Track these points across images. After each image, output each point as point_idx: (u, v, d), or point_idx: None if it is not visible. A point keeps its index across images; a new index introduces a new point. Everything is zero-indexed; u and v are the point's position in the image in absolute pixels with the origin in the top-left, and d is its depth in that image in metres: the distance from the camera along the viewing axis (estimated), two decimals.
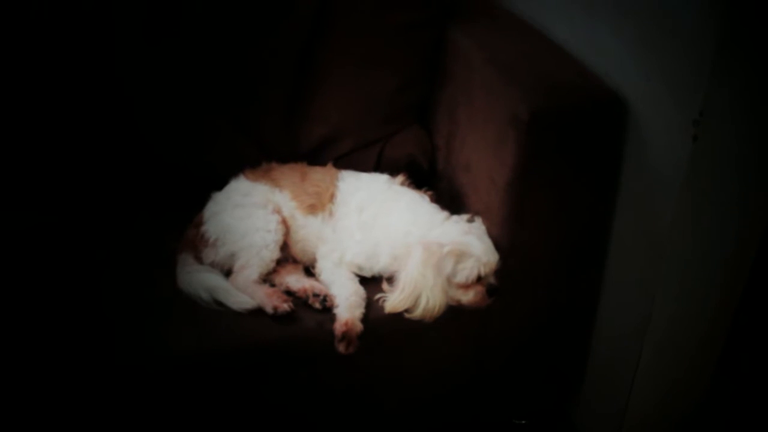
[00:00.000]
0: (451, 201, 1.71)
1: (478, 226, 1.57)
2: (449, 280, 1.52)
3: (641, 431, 1.77)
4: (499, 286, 1.54)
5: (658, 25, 1.39)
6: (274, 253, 1.59)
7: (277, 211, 1.64)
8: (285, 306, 1.50)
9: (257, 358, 1.50)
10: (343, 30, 1.76)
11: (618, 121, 1.50)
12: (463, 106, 1.69)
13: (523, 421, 1.98)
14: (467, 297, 1.53)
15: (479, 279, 1.52)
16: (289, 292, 1.56)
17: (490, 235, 1.56)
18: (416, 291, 1.50)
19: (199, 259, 1.63)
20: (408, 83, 1.81)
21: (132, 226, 1.73)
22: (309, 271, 1.65)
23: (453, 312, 1.53)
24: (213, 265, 1.61)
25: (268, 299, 1.51)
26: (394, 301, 1.52)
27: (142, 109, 1.75)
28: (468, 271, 1.51)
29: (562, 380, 1.88)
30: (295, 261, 1.66)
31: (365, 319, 1.51)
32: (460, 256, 1.51)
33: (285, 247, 1.64)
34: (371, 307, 1.54)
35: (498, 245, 1.55)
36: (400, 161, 1.81)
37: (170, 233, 1.67)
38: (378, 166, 1.82)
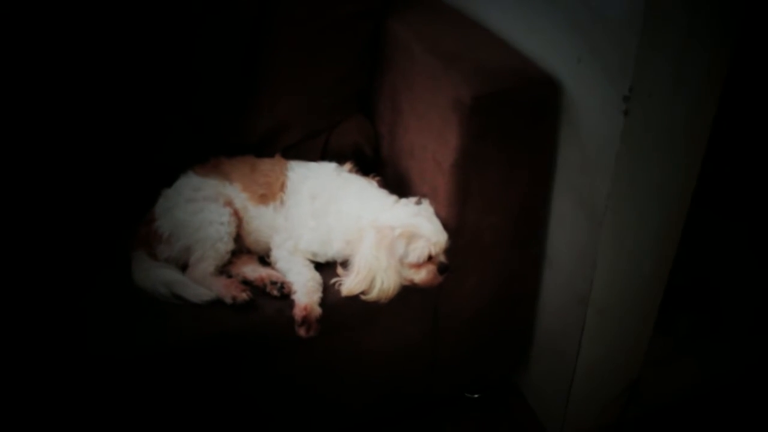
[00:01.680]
0: (397, 186, 1.77)
1: (426, 207, 1.63)
2: (402, 261, 1.58)
3: (588, 397, 1.87)
4: (449, 264, 1.61)
5: (586, 8, 1.47)
6: (229, 245, 1.62)
7: (229, 203, 1.66)
8: (244, 295, 1.53)
9: (219, 347, 1.53)
10: (285, 23, 1.79)
11: (553, 101, 1.58)
12: (405, 94, 1.74)
13: (476, 395, 2.06)
14: (420, 276, 1.59)
15: (430, 258, 1.58)
16: (246, 282, 1.59)
17: (438, 215, 1.62)
18: (371, 273, 1.55)
19: (153, 256, 1.64)
20: (350, 73, 1.86)
21: (89, 224, 1.72)
22: (264, 261, 1.68)
23: (407, 291, 1.59)
24: (168, 260, 1.63)
25: (227, 290, 1.54)
26: (350, 284, 1.56)
27: (90, 107, 1.73)
28: (419, 251, 1.57)
29: (511, 352, 1.97)
30: (249, 252, 1.69)
31: (323, 303, 1.56)
32: (410, 237, 1.57)
33: (238, 238, 1.67)
34: (328, 291, 1.59)
35: (446, 225, 1.61)
36: (346, 149, 1.86)
37: (127, 229, 1.67)
38: (324, 154, 1.86)
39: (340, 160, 1.78)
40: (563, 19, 1.54)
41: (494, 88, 1.52)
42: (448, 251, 1.61)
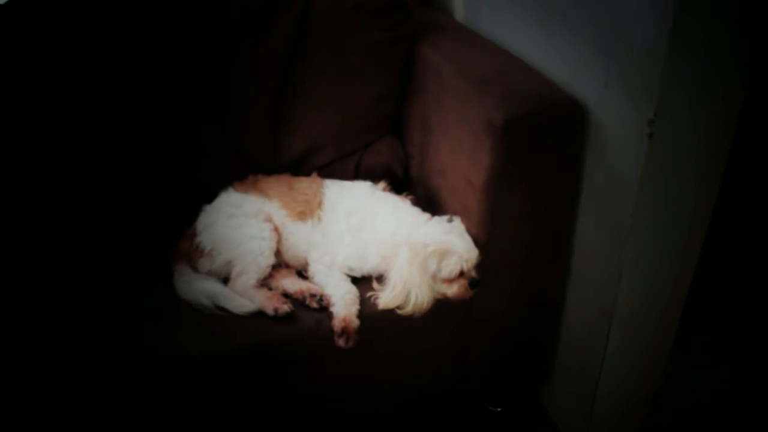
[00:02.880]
0: (427, 204, 1.84)
1: (458, 225, 1.71)
2: (435, 277, 1.65)
3: (610, 411, 1.93)
4: (480, 278, 1.68)
5: (612, 36, 1.55)
6: (270, 259, 1.69)
7: (269, 219, 1.74)
8: (285, 307, 1.60)
9: (261, 357, 1.60)
10: (320, 49, 1.88)
11: (580, 124, 1.66)
12: (436, 116, 1.83)
13: (499, 409, 2.12)
14: (452, 290, 1.66)
15: (462, 273, 1.65)
16: (286, 295, 1.66)
17: (469, 232, 1.69)
18: (406, 288, 1.62)
19: (195, 269, 1.71)
20: (382, 97, 1.94)
21: (129, 238, 1.81)
22: (302, 275, 1.75)
23: (438, 305, 1.66)
24: (209, 273, 1.70)
25: (269, 302, 1.61)
26: (386, 298, 1.63)
27: (133, 127, 1.83)
28: (452, 267, 1.64)
29: (535, 365, 2.03)
30: (287, 266, 1.77)
31: (359, 315, 1.63)
32: (443, 254, 1.64)
33: (277, 253, 1.73)
34: (364, 304, 1.65)
35: (476, 241, 1.68)
36: (377, 170, 1.94)
37: (165, 244, 1.75)
38: (356, 174, 1.95)
39: (372, 179, 1.86)
40: (590, 46, 1.62)
41: (525, 112, 1.60)
42: (479, 266, 1.68)
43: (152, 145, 1.85)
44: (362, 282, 1.72)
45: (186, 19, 1.80)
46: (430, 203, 1.85)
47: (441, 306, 1.66)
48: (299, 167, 1.92)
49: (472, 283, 1.67)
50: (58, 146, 1.80)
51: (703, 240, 1.71)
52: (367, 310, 1.65)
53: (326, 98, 1.91)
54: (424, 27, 1.96)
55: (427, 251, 1.64)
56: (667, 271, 1.72)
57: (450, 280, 1.65)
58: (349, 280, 1.70)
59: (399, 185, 1.94)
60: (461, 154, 1.72)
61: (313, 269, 1.73)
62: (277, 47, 1.86)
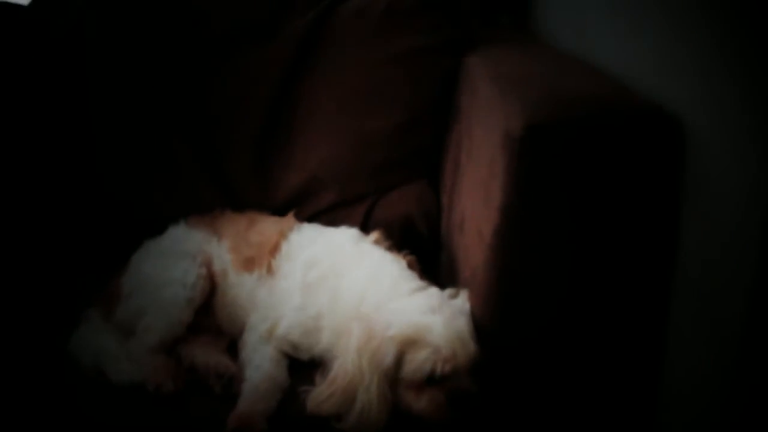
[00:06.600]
0: (448, 273, 1.26)
1: (461, 303, 1.09)
2: (394, 377, 1.04)
3: None
4: (473, 391, 1.02)
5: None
6: (185, 313, 1.21)
7: (207, 263, 1.26)
8: (169, 384, 1.11)
9: None
10: (333, 58, 1.44)
11: (665, 143, 0.99)
12: (465, 144, 1.25)
13: None
14: (419, 404, 1.03)
15: (439, 380, 1.02)
16: (192, 369, 1.15)
17: (475, 313, 1.07)
18: (350, 388, 1.04)
19: (111, 315, 1.27)
20: (410, 124, 1.42)
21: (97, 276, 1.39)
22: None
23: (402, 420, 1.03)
24: (122, 323, 1.25)
25: (155, 373, 1.13)
26: (318, 399, 1.06)
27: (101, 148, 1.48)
28: (417, 363, 1.03)
29: None
30: (221, 332, 1.26)
31: (281, 416, 1.06)
32: (408, 343, 1.04)
33: (211, 313, 1.26)
34: (295, 401, 1.08)
35: (482, 328, 1.05)
36: (394, 223, 1.38)
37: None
38: (365, 226, 1.39)
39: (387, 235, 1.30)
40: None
41: (560, 117, 0.98)
42: (478, 369, 1.03)
43: (123, 173, 1.48)
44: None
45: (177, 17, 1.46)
46: (450, 270, 1.25)
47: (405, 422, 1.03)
48: (294, 208, 1.41)
49: (455, 398, 1.01)
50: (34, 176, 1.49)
51: None
52: (298, 411, 1.07)
53: (334, 122, 1.43)
54: (480, 35, 1.42)
55: (384, 335, 1.04)
56: None
57: (418, 387, 1.02)
58: (282, 362, 1.15)
59: (423, 246, 1.35)
60: (476, 192, 1.13)
61: (244, 339, 1.20)
62: (280, 56, 1.44)
